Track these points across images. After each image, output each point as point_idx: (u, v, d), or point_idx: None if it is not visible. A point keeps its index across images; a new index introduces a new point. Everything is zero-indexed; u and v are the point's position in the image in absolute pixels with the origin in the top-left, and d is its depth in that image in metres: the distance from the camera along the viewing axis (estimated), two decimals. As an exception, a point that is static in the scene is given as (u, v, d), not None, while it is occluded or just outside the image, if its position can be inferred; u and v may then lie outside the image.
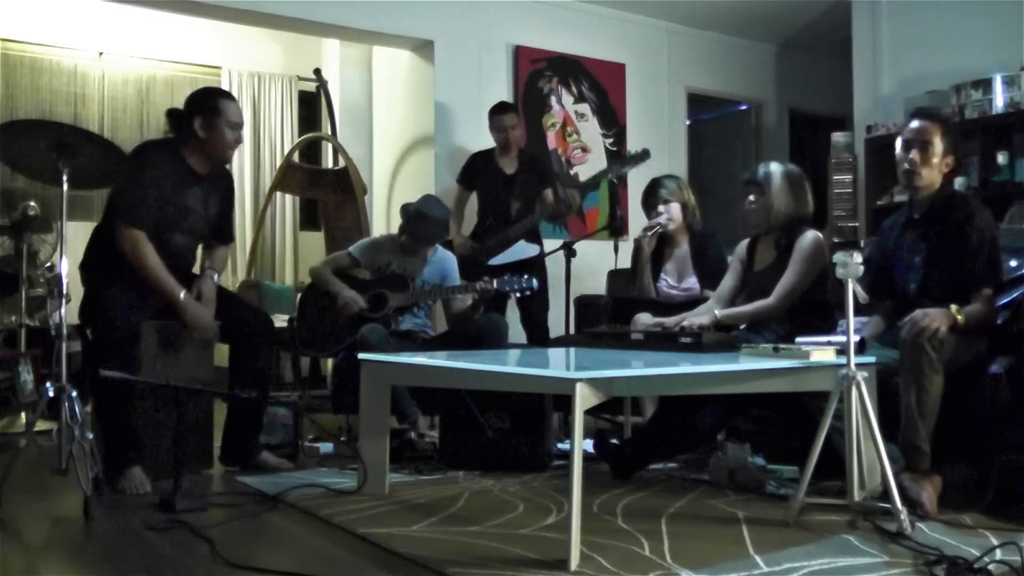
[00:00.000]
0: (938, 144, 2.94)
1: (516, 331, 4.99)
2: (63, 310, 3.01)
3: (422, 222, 4.20)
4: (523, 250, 4.75)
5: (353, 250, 4.34)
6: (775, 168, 3.41)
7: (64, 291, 3.05)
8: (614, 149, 6.51)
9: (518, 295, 4.05)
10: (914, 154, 2.96)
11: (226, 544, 2.37)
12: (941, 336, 2.65)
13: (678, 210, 4.05)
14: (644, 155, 4.49)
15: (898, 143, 3.05)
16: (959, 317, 2.71)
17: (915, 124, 3.00)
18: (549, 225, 5.64)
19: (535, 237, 4.96)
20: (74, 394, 2.80)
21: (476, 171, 5.16)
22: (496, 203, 5.02)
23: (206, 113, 3.30)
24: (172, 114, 3.40)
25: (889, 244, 3.15)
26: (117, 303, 3.14)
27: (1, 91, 6.14)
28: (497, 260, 4.82)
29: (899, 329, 2.88)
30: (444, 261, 4.37)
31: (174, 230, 3.34)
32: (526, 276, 4.03)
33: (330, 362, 5.44)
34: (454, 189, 5.27)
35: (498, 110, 5.16)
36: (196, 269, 3.56)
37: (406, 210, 4.27)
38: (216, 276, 3.46)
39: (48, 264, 4.99)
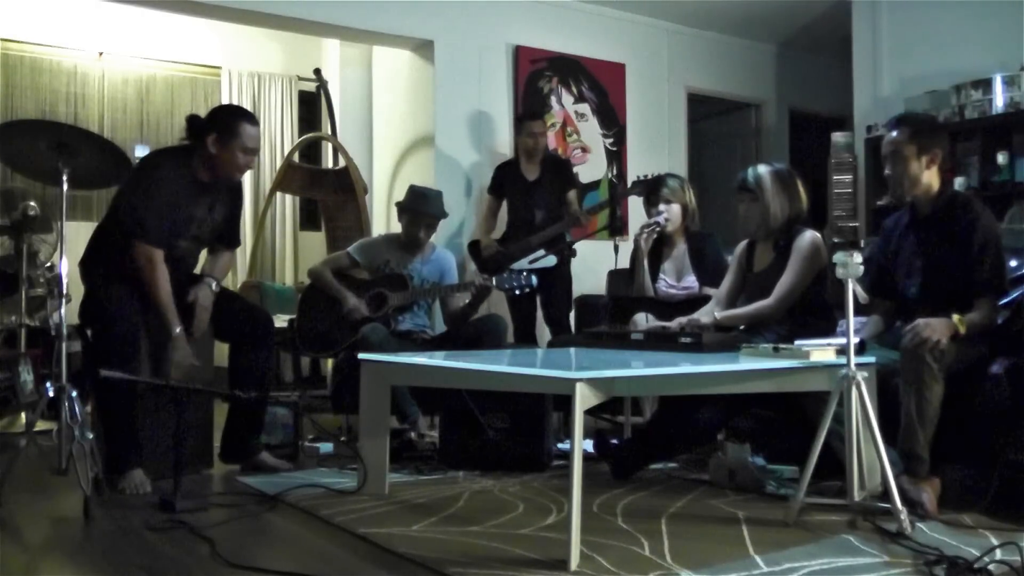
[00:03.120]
0: (907, 150, 2.93)
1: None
2: (63, 310, 3.01)
3: (425, 199, 4.28)
4: (543, 260, 4.84)
5: (351, 250, 4.35)
6: (764, 171, 3.41)
7: (64, 291, 3.04)
8: (614, 149, 6.51)
9: (517, 293, 4.07)
10: (889, 168, 3.00)
11: (226, 544, 2.37)
12: (942, 347, 2.64)
13: (678, 212, 4.05)
14: (646, 181, 4.39)
15: None
16: (961, 328, 2.70)
17: (885, 139, 3.03)
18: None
19: (557, 243, 4.97)
20: (74, 394, 2.80)
21: (502, 180, 5.33)
22: (520, 209, 5.17)
23: (223, 132, 3.25)
24: (192, 121, 3.33)
25: (891, 244, 3.14)
26: (118, 303, 3.14)
27: (1, 91, 6.14)
28: (518, 265, 4.87)
29: (899, 330, 2.88)
30: (442, 259, 4.38)
31: (180, 236, 3.33)
32: (525, 273, 4.04)
33: (330, 362, 5.45)
34: (486, 199, 5.44)
35: (528, 116, 5.35)
36: (198, 268, 3.56)
37: (408, 195, 4.34)
38: (215, 284, 3.43)
39: (48, 264, 4.99)
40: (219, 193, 3.43)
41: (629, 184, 4.72)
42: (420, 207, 4.25)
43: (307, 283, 4.49)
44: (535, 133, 5.20)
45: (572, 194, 5.21)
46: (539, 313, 5.17)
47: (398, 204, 4.37)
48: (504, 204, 5.35)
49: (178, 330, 3.21)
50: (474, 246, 5.29)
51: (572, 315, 5.06)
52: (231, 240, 3.61)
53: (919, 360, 2.63)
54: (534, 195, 5.14)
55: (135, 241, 3.16)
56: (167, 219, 3.22)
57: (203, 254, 3.60)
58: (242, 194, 3.68)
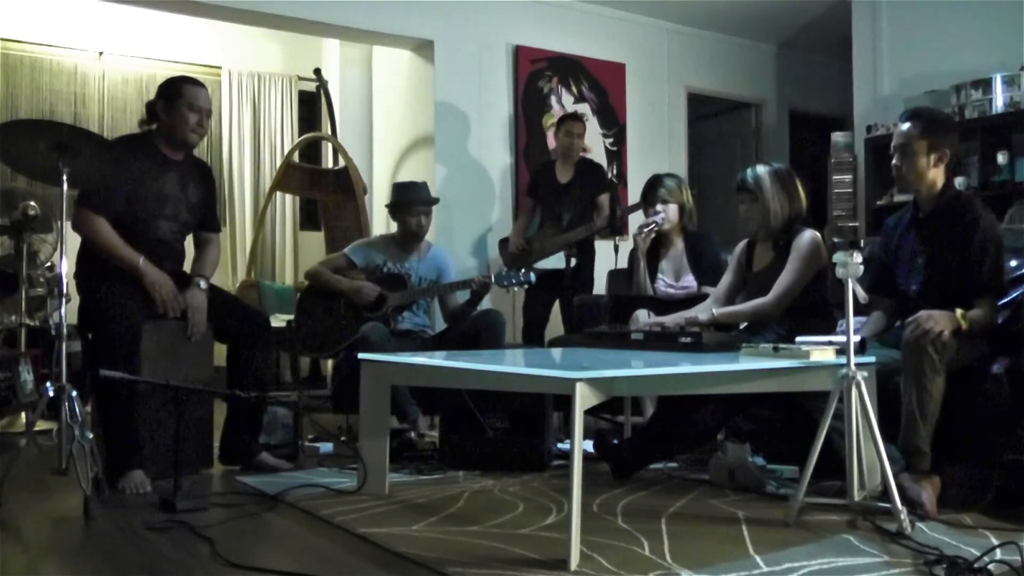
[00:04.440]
0: (918, 144, 2.93)
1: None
2: (63, 310, 3.01)
3: (413, 187, 4.32)
4: (550, 261, 5.03)
5: (348, 251, 4.36)
6: (763, 171, 3.41)
7: (64, 291, 3.04)
8: (614, 149, 6.51)
9: (515, 289, 4.10)
10: (897, 160, 2.99)
11: (226, 544, 2.37)
12: (944, 339, 2.64)
13: (675, 211, 4.06)
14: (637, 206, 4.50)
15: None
16: (963, 322, 2.70)
17: (896, 129, 3.03)
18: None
19: (585, 246, 5.07)
20: (74, 394, 2.80)
21: (537, 181, 5.41)
22: (550, 211, 5.25)
23: (168, 96, 3.37)
24: (148, 105, 3.46)
25: (892, 243, 3.14)
26: (117, 303, 3.14)
27: (1, 91, 6.14)
28: (541, 264, 5.00)
29: (900, 328, 2.88)
30: (439, 257, 4.39)
31: (156, 217, 3.37)
32: (523, 271, 4.07)
33: (330, 362, 5.45)
34: (525, 200, 5.52)
35: (570, 117, 5.44)
36: (187, 266, 3.57)
37: (395, 192, 4.39)
38: (204, 283, 3.45)
39: (48, 264, 4.99)
40: (189, 171, 3.49)
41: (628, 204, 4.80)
42: (413, 197, 4.27)
43: (306, 284, 4.50)
44: (573, 134, 5.26)
45: (604, 198, 5.19)
46: (551, 314, 5.21)
47: (389, 205, 4.39)
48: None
49: (141, 260, 3.25)
50: (505, 243, 5.38)
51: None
52: (211, 223, 3.65)
53: (921, 352, 2.63)
54: (564, 197, 5.20)
55: (78, 210, 3.23)
56: (128, 193, 3.27)
57: (190, 248, 3.62)
58: (212, 175, 3.73)
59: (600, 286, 5.17)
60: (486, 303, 5.11)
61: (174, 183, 3.42)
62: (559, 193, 5.22)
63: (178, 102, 3.36)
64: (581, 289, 4.94)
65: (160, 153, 3.40)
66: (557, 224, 5.15)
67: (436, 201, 4.42)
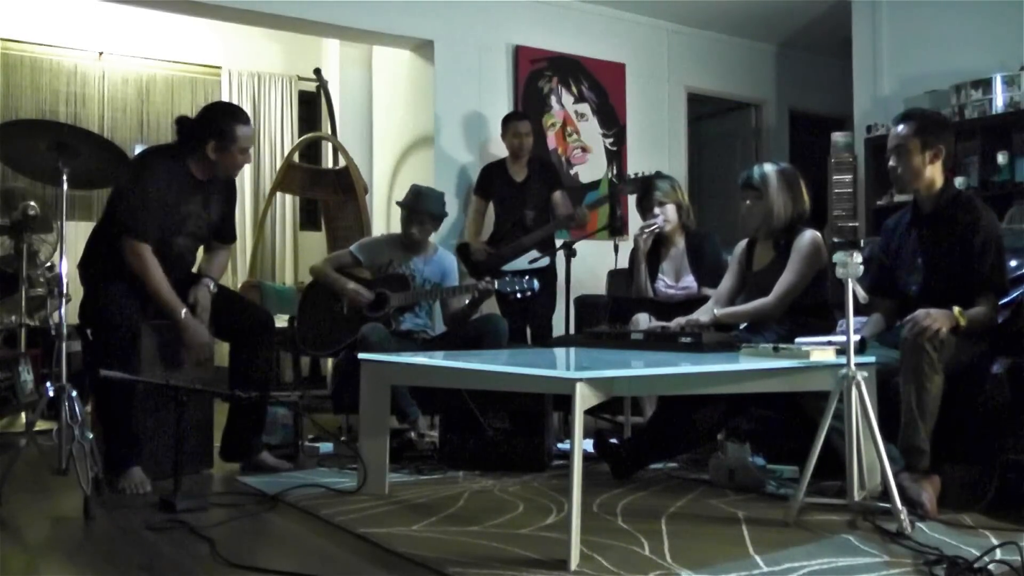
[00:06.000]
0: (912, 144, 2.95)
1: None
2: (63, 310, 3.01)
3: (421, 196, 4.29)
4: (540, 261, 4.98)
5: (354, 249, 4.36)
6: (770, 169, 3.42)
7: (64, 291, 3.05)
8: (614, 149, 6.51)
9: (519, 296, 4.06)
10: (893, 162, 3.01)
11: (226, 544, 2.37)
12: (942, 337, 2.64)
13: (674, 211, 4.07)
14: (639, 180, 4.44)
15: None
16: (961, 320, 2.71)
17: (891, 133, 3.04)
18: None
19: (548, 244, 5.08)
20: (74, 394, 2.80)
21: (490, 181, 5.34)
22: (510, 210, 5.20)
23: (221, 138, 3.30)
24: (183, 123, 3.39)
25: (892, 243, 3.15)
26: (117, 303, 3.14)
27: (1, 91, 6.14)
28: (512, 266, 4.94)
29: (900, 328, 2.88)
30: (444, 260, 4.38)
31: (176, 234, 3.36)
32: (527, 277, 4.04)
33: (330, 362, 5.45)
34: (472, 200, 5.44)
35: (515, 117, 5.36)
36: (195, 268, 3.57)
37: (408, 193, 4.35)
38: (212, 284, 3.45)
39: (48, 264, 4.98)
40: (214, 189, 3.46)
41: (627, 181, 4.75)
42: (415, 205, 4.26)
43: (307, 283, 4.50)
44: (520, 133, 5.23)
45: (557, 195, 5.24)
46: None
47: (398, 202, 4.38)
48: (490, 206, 5.36)
49: (183, 312, 3.26)
50: (463, 249, 5.28)
51: (572, 315, 5.07)
52: (226, 235, 3.64)
53: (919, 350, 2.63)
54: (523, 196, 5.18)
55: (126, 240, 3.20)
56: (158, 216, 3.25)
57: (200, 252, 3.61)
58: (235, 189, 3.71)
59: (600, 286, 5.16)
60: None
61: (198, 203, 3.40)
62: (518, 192, 5.19)
63: (232, 147, 3.32)
64: (548, 287, 4.91)
65: (188, 173, 3.35)
66: (521, 224, 5.11)
67: (442, 215, 4.38)
